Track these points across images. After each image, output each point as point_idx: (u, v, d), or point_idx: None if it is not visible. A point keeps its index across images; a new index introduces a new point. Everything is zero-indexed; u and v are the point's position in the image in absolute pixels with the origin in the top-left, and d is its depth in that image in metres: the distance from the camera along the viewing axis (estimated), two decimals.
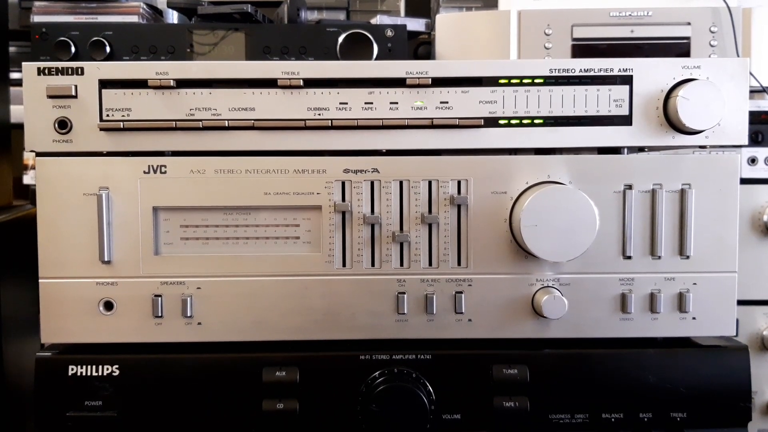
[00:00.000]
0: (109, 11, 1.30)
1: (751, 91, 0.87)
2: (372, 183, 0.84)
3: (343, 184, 0.84)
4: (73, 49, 1.21)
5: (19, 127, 1.36)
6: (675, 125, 0.83)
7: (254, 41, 1.25)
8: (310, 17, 1.41)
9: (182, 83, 0.83)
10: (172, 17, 1.37)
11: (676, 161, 0.85)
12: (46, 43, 1.22)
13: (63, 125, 0.82)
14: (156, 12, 1.36)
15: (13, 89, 1.28)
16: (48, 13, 1.29)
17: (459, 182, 0.84)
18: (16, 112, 1.28)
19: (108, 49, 1.22)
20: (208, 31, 1.25)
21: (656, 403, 0.84)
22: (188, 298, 0.84)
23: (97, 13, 1.29)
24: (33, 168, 1.57)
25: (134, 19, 1.30)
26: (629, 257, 0.85)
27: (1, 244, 1.05)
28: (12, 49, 1.37)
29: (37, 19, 1.28)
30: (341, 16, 1.43)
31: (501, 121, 0.84)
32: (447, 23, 1.24)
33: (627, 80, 0.83)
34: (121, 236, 0.83)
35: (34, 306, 1.20)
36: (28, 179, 1.59)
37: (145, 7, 1.31)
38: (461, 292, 0.85)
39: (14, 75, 1.35)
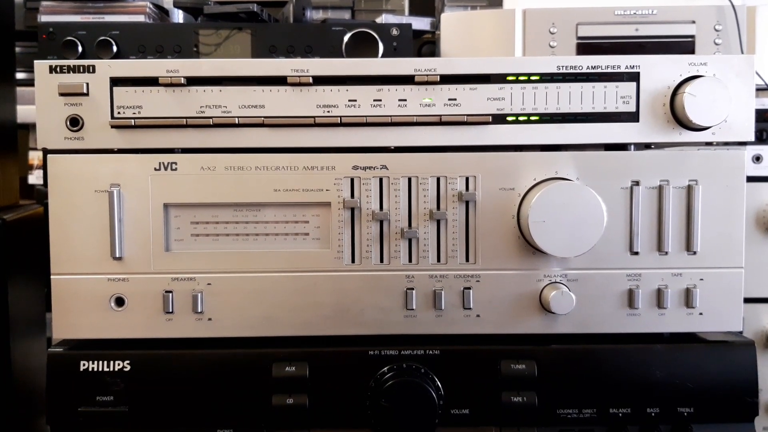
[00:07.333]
0: (116, 11, 1.31)
1: (756, 89, 0.88)
2: (381, 179, 0.85)
3: (352, 180, 0.85)
4: (80, 49, 1.22)
5: (24, 127, 1.37)
6: (682, 122, 0.84)
7: (260, 40, 1.26)
8: (315, 16, 1.42)
9: (193, 81, 0.83)
10: (178, 17, 1.37)
11: (683, 157, 0.85)
12: (54, 42, 1.23)
13: (74, 123, 0.83)
14: (162, 11, 1.37)
15: (17, 89, 1.29)
16: (55, 12, 1.30)
17: (467, 179, 0.85)
18: (20, 112, 1.28)
19: (115, 48, 1.22)
20: (214, 30, 1.26)
21: (663, 398, 0.85)
22: (198, 294, 0.84)
23: (104, 12, 1.30)
24: (38, 168, 1.58)
25: (141, 18, 1.30)
26: (636, 253, 0.85)
27: (9, 243, 1.06)
28: (17, 49, 1.37)
29: (44, 18, 1.29)
30: (346, 15, 1.44)
31: (509, 118, 0.85)
32: (452, 22, 1.25)
33: (634, 77, 0.84)
34: (132, 233, 0.84)
35: (41, 304, 1.21)
36: (33, 179, 1.60)
37: (151, 6, 1.32)
38: (469, 288, 0.85)
39: (19, 75, 1.35)
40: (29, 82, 0.83)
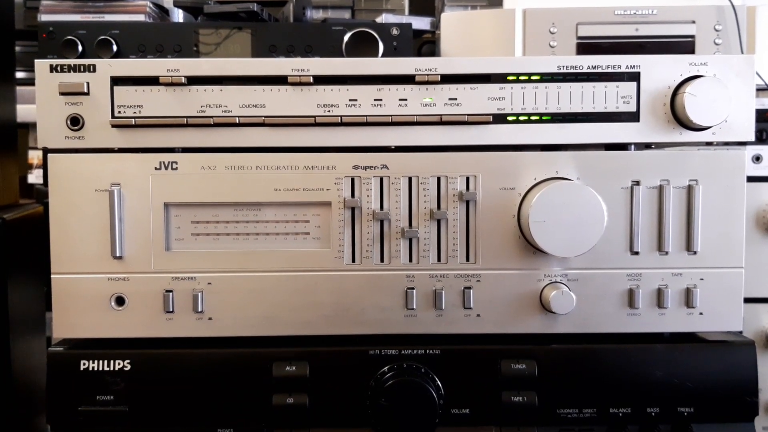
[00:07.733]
0: (116, 10, 1.31)
1: (756, 89, 0.88)
2: (381, 179, 0.85)
3: (353, 180, 0.85)
4: (80, 48, 1.22)
5: (23, 126, 1.37)
6: (682, 121, 0.84)
7: (260, 40, 1.26)
8: (315, 16, 1.42)
9: (193, 80, 0.83)
10: (178, 16, 1.37)
11: (683, 157, 0.85)
12: (54, 41, 1.23)
13: (75, 122, 0.83)
14: (162, 11, 1.37)
15: (17, 88, 1.29)
16: (55, 12, 1.30)
17: (467, 178, 0.85)
18: (20, 111, 1.28)
19: (115, 48, 1.22)
20: (214, 30, 1.26)
21: (663, 398, 0.85)
22: (199, 294, 0.84)
23: (104, 12, 1.30)
24: (38, 167, 1.58)
25: (141, 18, 1.30)
26: (637, 253, 0.85)
27: (9, 242, 1.05)
28: (17, 48, 1.37)
29: (44, 18, 1.29)
30: (346, 14, 1.44)
31: (509, 118, 0.85)
32: (452, 22, 1.25)
33: (634, 77, 0.84)
34: (132, 232, 0.84)
35: (41, 304, 1.21)
36: (32, 178, 1.60)
37: (151, 6, 1.32)
38: (470, 288, 0.85)
39: (19, 74, 1.35)
40: (29, 82, 0.83)
